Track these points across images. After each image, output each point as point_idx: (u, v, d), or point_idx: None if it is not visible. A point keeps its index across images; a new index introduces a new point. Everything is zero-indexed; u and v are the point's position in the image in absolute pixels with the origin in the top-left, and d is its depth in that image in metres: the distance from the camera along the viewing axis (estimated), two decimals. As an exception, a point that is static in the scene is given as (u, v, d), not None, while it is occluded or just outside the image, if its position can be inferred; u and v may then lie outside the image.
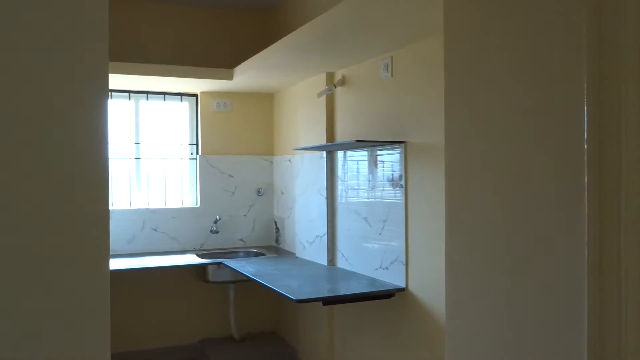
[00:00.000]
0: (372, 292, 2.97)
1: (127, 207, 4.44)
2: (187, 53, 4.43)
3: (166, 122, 4.63)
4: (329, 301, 2.92)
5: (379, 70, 3.21)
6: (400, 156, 3.02)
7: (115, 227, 4.29)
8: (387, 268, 3.14)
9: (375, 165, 3.27)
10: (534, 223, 1.22)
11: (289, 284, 3.17)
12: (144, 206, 4.50)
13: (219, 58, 4.46)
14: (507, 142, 1.32)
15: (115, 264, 3.92)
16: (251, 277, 3.37)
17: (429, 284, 2.80)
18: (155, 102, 4.60)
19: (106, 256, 1.01)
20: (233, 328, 4.46)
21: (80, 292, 1.01)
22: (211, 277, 4.14)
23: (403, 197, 2.99)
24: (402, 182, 3.00)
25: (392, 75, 3.10)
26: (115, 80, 4.12)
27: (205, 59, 4.43)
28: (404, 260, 2.98)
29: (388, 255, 3.12)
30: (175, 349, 4.43)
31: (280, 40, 3.26)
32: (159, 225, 4.45)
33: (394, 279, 3.06)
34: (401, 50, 3.03)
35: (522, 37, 1.27)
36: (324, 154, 3.79)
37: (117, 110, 4.49)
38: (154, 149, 4.59)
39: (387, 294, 2.99)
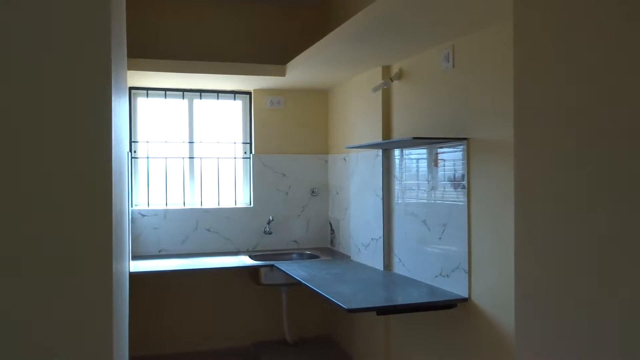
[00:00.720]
0: (431, 302, 2.74)
1: (180, 207, 4.41)
2: (239, 51, 4.34)
3: (220, 121, 4.56)
4: (383, 311, 2.72)
5: (439, 61, 2.97)
6: (463, 154, 2.77)
7: (168, 227, 4.27)
8: (447, 276, 2.89)
9: (435, 164, 3.03)
10: (631, 235, 0.99)
11: (341, 290, 2.99)
12: (197, 206, 4.46)
13: (272, 55, 4.33)
14: (596, 138, 1.10)
15: (168, 264, 3.88)
16: (302, 281, 3.21)
17: (494, 294, 2.54)
18: (209, 101, 4.54)
19: (109, 260, 0.87)
20: (286, 331, 4.34)
21: (78, 297, 0.88)
22: (264, 279, 4.02)
23: (465, 199, 2.74)
24: (465, 183, 2.75)
25: (453, 66, 2.86)
26: (169, 79, 4.08)
27: (259, 57, 4.32)
28: (466, 268, 2.73)
29: (449, 262, 2.88)
30: (227, 351, 4.36)
31: (333, 32, 3.08)
32: (212, 226, 4.39)
33: (456, 288, 2.81)
34: (464, 38, 2.77)
35: (613, 11, 1.04)
36: (380, 152, 3.58)
37: (171, 109, 4.46)
38: (207, 148, 4.53)
39: (448, 305, 2.75)
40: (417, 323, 3.19)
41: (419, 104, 3.21)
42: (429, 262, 3.06)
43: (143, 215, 4.22)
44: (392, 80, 3.44)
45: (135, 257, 4.14)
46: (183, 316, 4.29)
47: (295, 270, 3.56)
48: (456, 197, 2.82)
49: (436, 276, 2.99)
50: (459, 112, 2.82)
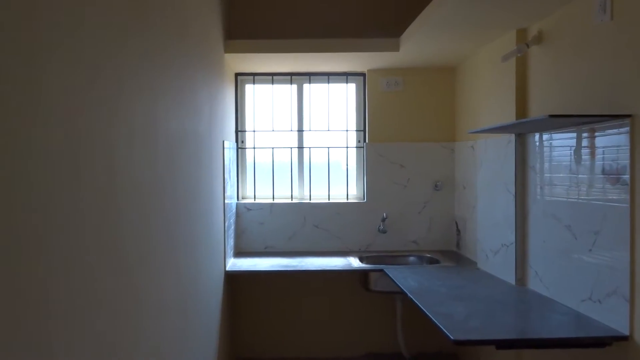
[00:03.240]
0: (576, 338, 2.03)
1: (287, 200, 4.08)
2: (351, 26, 3.85)
3: (331, 107, 4.14)
4: (505, 345, 2.07)
5: (591, 13, 2.21)
6: (624, 137, 2.01)
7: (275, 223, 3.97)
8: (599, 302, 2.15)
9: (586, 152, 2.28)
10: None
11: (454, 310, 2.39)
12: (305, 200, 4.09)
13: (387, 30, 3.77)
14: None
15: (273, 262, 3.57)
16: (408, 294, 2.67)
17: (672, 337, 1.78)
18: (319, 86, 4.13)
19: None
20: (402, 345, 3.80)
21: None
22: (373, 285, 3.53)
23: (628, 199, 1.98)
24: (627, 177, 1.99)
25: (611, 18, 2.09)
26: (276, 62, 3.76)
27: (372, 32, 3.79)
28: (627, 294, 1.97)
29: (602, 283, 2.13)
30: (337, 361, 3.96)
31: (445, -13, 2.47)
32: (321, 222, 3.99)
33: (610, 319, 2.07)
34: (627, -23, 2.00)
35: None
36: (513, 137, 2.88)
37: (279, 95, 4.14)
38: (317, 137, 4.14)
39: (599, 342, 2.02)
40: (557, 358, 2.47)
41: (564, 73, 2.46)
42: (575, 281, 2.33)
43: (248, 210, 3.97)
44: (527, 46, 2.71)
45: (241, 253, 3.90)
46: (288, 319, 3.97)
47: (405, 278, 3.02)
48: (614, 196, 2.07)
49: (584, 300, 2.25)
50: (619, 80, 2.05)
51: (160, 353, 1.78)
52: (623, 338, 1.97)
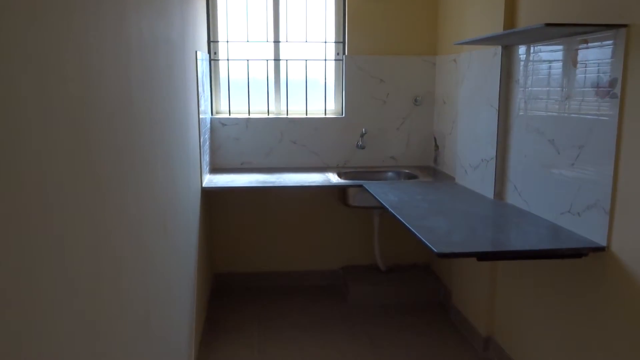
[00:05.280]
0: (553, 250, 2.07)
1: (264, 115, 3.97)
2: None
3: (309, 17, 3.93)
4: (486, 257, 2.10)
5: None
6: (614, 49, 1.95)
7: (251, 139, 3.87)
8: (578, 214, 2.18)
9: (574, 64, 2.22)
10: None
11: (436, 224, 2.40)
12: (282, 115, 3.99)
13: None
14: None
15: (250, 178, 3.51)
16: (389, 208, 2.67)
17: (648, 247, 1.82)
18: (297, -8, 3.90)
19: None
20: (377, 258, 3.89)
21: None
22: (352, 200, 3.54)
23: (616, 113, 1.95)
24: (617, 90, 1.95)
25: None
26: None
27: None
28: (607, 207, 2.00)
29: (583, 197, 2.15)
30: (315, 273, 4.04)
31: None
32: (299, 138, 3.92)
33: (588, 231, 2.11)
34: None
35: None
36: (499, 50, 2.79)
37: (254, 3, 3.90)
38: (294, 49, 3.96)
39: (576, 253, 2.07)
40: (532, 271, 2.55)
41: (556, -20, 2.34)
42: (555, 194, 2.35)
43: (223, 125, 3.85)
44: (520, -49, 2.57)
45: (216, 170, 3.83)
46: (265, 234, 3.99)
47: (385, 193, 3.01)
48: (602, 110, 2.04)
49: (562, 213, 2.29)
50: (617, -13, 1.96)
51: (142, 271, 1.75)
52: (600, 249, 2.02)
